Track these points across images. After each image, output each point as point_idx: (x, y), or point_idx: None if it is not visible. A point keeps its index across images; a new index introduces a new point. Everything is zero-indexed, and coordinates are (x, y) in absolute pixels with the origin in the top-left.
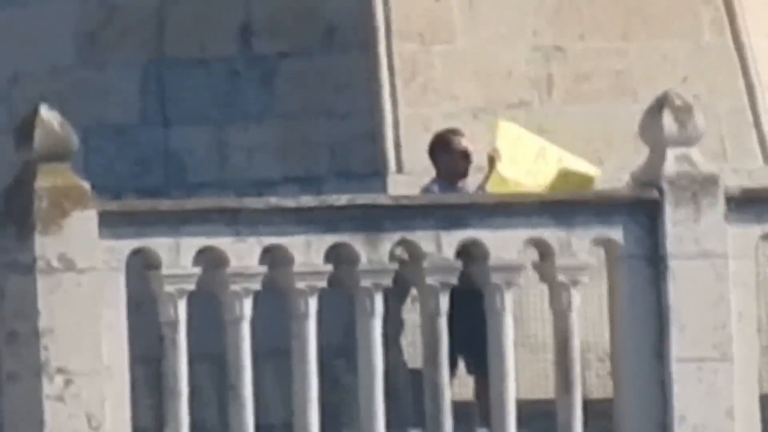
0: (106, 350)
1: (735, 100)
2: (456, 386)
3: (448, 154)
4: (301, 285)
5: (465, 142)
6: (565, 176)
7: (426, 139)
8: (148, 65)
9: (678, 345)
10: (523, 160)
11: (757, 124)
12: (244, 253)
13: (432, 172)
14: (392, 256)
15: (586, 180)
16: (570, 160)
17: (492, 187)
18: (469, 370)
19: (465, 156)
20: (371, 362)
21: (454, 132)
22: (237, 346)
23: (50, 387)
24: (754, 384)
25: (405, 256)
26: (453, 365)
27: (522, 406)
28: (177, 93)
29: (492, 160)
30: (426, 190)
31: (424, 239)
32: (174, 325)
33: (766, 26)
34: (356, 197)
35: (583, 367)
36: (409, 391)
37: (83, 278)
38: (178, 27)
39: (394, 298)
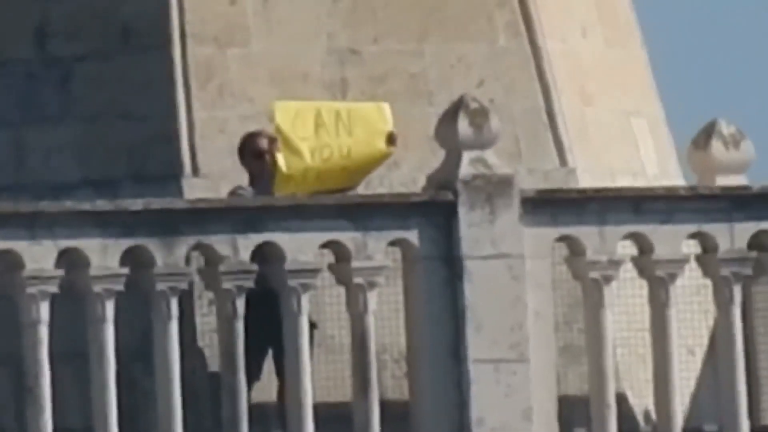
0: None
1: (531, 102)
2: (256, 389)
3: (246, 157)
4: (97, 288)
5: (262, 143)
6: (342, 119)
7: (222, 142)
8: None
9: (475, 346)
10: (304, 136)
11: (553, 125)
12: (40, 256)
13: (230, 175)
14: (188, 260)
15: (373, 115)
16: (343, 108)
17: (278, 186)
18: (277, 372)
19: (259, 156)
20: (168, 366)
21: (252, 134)
22: (34, 349)
23: None
24: (552, 385)
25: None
26: (257, 368)
27: (319, 408)
28: None
29: (264, 153)
30: (232, 193)
31: (219, 243)
32: None
33: (561, 29)
34: (152, 201)
35: (380, 368)
36: (207, 395)
37: None
38: None
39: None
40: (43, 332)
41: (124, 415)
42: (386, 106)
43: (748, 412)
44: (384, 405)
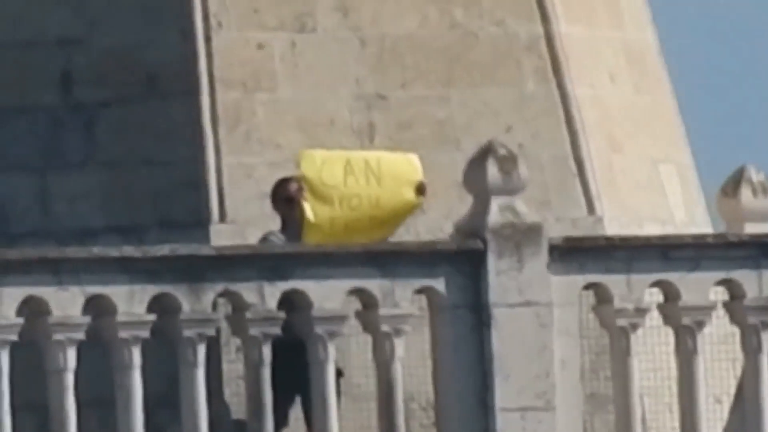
0: None
1: (559, 149)
2: None
3: (278, 202)
4: (124, 335)
5: (293, 188)
6: (371, 169)
7: (250, 188)
8: None
9: (502, 394)
10: (333, 184)
11: (581, 172)
12: (66, 302)
13: (257, 221)
14: (215, 307)
15: (402, 165)
16: (372, 157)
17: (306, 235)
18: (306, 420)
19: (290, 201)
20: (195, 412)
21: (284, 180)
22: (60, 396)
23: None
24: None
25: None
26: (285, 415)
27: None
28: None
29: (295, 200)
30: (264, 238)
31: (246, 290)
32: None
33: (590, 75)
34: (178, 247)
35: (407, 416)
36: None
37: None
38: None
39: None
40: (69, 379)
41: None
42: (415, 158)
43: None
44: None
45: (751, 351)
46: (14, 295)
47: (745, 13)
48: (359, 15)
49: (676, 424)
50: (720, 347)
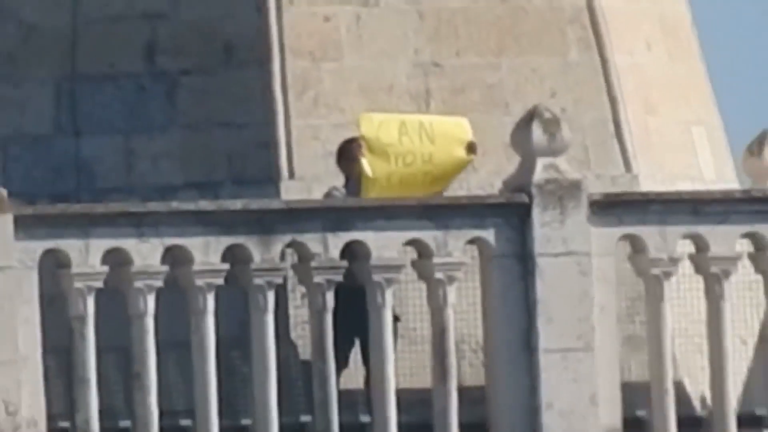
0: (22, 342)
1: (599, 113)
2: (345, 376)
3: (342, 161)
4: (199, 282)
5: (355, 149)
6: (425, 129)
7: (316, 148)
8: (61, 81)
9: (545, 336)
10: (389, 142)
11: (619, 135)
12: (147, 252)
13: (322, 178)
14: (283, 257)
15: (454, 128)
16: (426, 120)
17: (365, 190)
18: (364, 361)
19: (353, 160)
20: (265, 354)
21: (348, 140)
22: (141, 339)
23: None
24: (616, 372)
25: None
26: (345, 357)
27: (401, 393)
28: (88, 106)
29: (356, 158)
30: (328, 192)
31: (312, 240)
32: (83, 319)
33: (628, 44)
34: (250, 202)
35: (458, 357)
36: (300, 381)
37: (1, 276)
38: (90, 46)
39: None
40: (150, 323)
41: (223, 398)
42: (466, 120)
43: None
44: (461, 391)
45: None
46: (100, 246)
47: None
48: None
49: (706, 363)
50: (745, 293)
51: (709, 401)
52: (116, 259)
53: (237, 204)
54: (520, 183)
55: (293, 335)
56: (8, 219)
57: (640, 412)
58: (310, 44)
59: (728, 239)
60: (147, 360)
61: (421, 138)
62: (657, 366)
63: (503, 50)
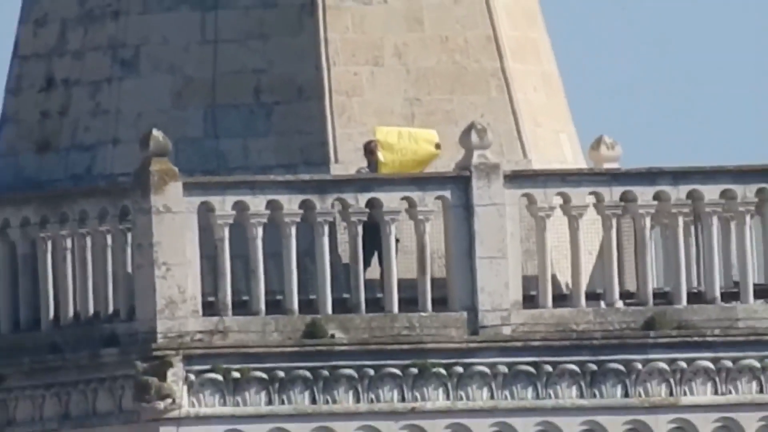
0: (188, 252)
1: (508, 126)
2: (368, 273)
3: (365, 153)
4: (287, 220)
5: (372, 146)
6: (401, 139)
7: (349, 146)
8: (207, 108)
9: (479, 250)
10: (393, 143)
11: (520, 138)
12: (257, 203)
13: (356, 162)
14: (332, 205)
15: (423, 139)
16: (412, 131)
17: (379, 170)
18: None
19: (371, 153)
20: (323, 259)
21: (369, 142)
22: (255, 250)
23: (158, 272)
24: (519, 270)
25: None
26: (368, 262)
27: (400, 282)
28: (222, 122)
29: (373, 151)
30: (357, 171)
31: (349, 197)
32: (222, 240)
33: (524, 87)
34: (314, 175)
35: (431, 261)
36: (342, 275)
37: (176, 217)
38: (224, 87)
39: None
40: (259, 243)
41: (300, 284)
42: (434, 132)
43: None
44: (433, 281)
45: (606, 229)
46: (230, 199)
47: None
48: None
49: (569, 264)
50: (590, 227)
51: (570, 286)
52: (240, 206)
53: (306, 177)
54: (465, 165)
55: (339, 250)
56: (179, 184)
57: (533, 292)
58: (346, 87)
59: (581, 195)
60: (258, 261)
61: (409, 141)
62: (542, 266)
63: (454, 90)
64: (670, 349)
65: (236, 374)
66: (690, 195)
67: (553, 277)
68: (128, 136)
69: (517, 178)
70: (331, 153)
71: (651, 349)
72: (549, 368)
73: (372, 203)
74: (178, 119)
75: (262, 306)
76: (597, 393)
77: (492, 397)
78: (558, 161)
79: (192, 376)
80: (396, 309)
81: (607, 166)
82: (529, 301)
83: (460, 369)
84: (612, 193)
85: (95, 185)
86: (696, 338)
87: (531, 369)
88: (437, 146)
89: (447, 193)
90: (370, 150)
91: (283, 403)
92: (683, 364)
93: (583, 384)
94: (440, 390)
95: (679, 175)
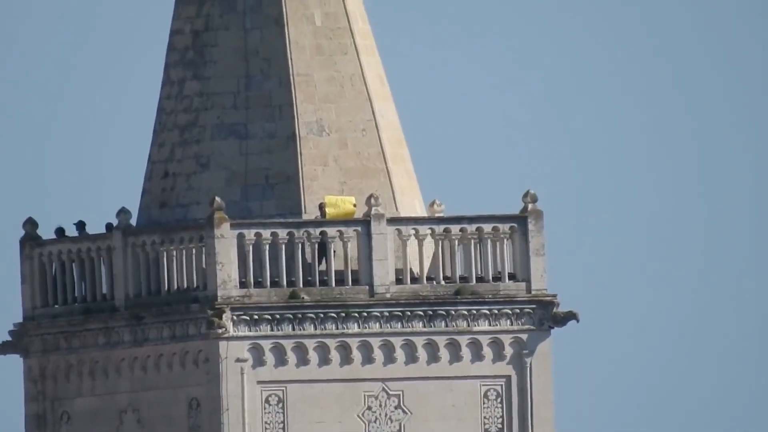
0: None
1: (383, 186)
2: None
3: (320, 210)
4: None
5: (323, 206)
6: (338, 202)
7: (312, 206)
8: (236, 185)
9: None
10: (334, 203)
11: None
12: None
13: (318, 213)
14: (302, 234)
15: (348, 202)
16: (339, 198)
17: (327, 216)
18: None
19: (321, 210)
20: None
21: (321, 204)
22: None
23: (218, 266)
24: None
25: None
26: (320, 262)
27: None
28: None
29: (322, 207)
30: (315, 218)
31: (311, 230)
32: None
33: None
34: (289, 219)
35: None
36: None
37: None
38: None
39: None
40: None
41: None
42: (353, 198)
43: None
44: (351, 271)
45: None
46: (252, 232)
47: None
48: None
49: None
50: (429, 244)
51: (418, 272)
52: (258, 235)
53: (290, 219)
54: (368, 214)
55: (306, 255)
56: (228, 224)
57: (400, 277)
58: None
59: (424, 229)
60: (265, 261)
61: (342, 203)
62: (404, 263)
63: (362, 179)
64: (467, 305)
65: (255, 317)
66: (477, 228)
67: (411, 269)
68: (203, 199)
69: (393, 220)
70: (303, 208)
71: (457, 305)
72: (408, 313)
73: (323, 233)
74: (227, 193)
75: (268, 284)
76: (432, 326)
77: (380, 327)
78: (413, 212)
79: (234, 317)
80: (333, 284)
81: (437, 215)
82: (399, 281)
83: (365, 313)
84: (439, 228)
85: (188, 223)
86: (476, 299)
87: (399, 313)
88: (354, 206)
89: (360, 228)
90: (322, 209)
91: (280, 330)
92: (472, 311)
93: (424, 321)
94: (355, 324)
95: (472, 219)
